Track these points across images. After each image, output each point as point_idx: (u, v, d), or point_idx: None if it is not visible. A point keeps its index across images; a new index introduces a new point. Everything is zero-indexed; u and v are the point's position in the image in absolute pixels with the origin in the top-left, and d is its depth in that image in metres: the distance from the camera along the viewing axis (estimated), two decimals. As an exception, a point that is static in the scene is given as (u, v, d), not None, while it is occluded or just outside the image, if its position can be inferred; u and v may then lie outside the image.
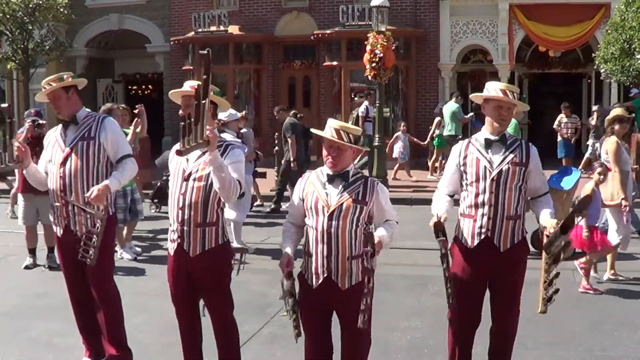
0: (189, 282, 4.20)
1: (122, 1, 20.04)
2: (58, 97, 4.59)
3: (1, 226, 10.22)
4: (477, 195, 4.11)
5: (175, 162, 4.20)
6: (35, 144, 6.41)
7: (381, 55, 13.08)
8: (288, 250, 3.93)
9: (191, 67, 18.00)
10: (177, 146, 3.71)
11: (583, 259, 6.88)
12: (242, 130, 9.84)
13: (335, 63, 17.46)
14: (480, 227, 4.11)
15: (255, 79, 18.75)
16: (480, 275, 4.16)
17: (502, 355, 4.36)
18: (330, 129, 3.80)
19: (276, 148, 12.96)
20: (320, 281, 3.81)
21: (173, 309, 4.33)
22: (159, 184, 11.04)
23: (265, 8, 18.40)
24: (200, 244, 4.11)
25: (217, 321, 4.27)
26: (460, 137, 13.44)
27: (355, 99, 16.74)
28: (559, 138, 15.51)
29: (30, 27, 17.42)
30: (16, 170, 7.61)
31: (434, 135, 15.28)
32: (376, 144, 13.47)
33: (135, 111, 8.60)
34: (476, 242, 4.13)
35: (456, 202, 4.32)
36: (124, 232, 8.42)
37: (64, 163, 4.53)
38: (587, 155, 14.26)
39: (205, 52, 3.62)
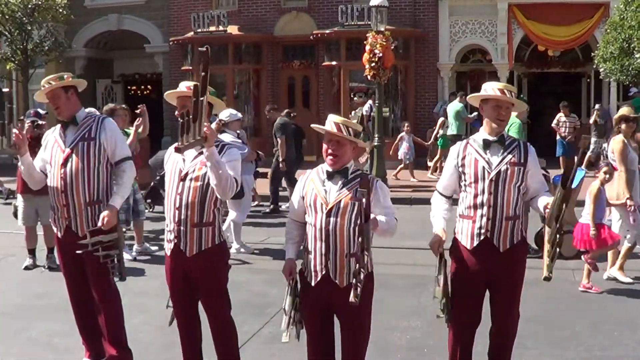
0: (186, 282, 4.20)
1: (121, 1, 20.02)
2: (57, 96, 4.59)
3: (1, 226, 10.21)
4: (475, 196, 4.11)
5: (171, 162, 4.20)
6: (35, 145, 6.38)
7: (380, 55, 13.09)
8: (291, 255, 3.95)
9: (190, 67, 18.01)
10: (174, 146, 3.71)
11: (589, 255, 6.87)
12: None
13: (334, 63, 17.46)
14: (480, 228, 4.11)
15: (254, 79, 18.75)
16: (480, 276, 4.16)
17: (502, 355, 4.37)
18: (331, 122, 3.81)
19: (275, 148, 12.93)
20: (319, 279, 3.81)
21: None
22: (152, 183, 11.03)
23: (264, 8, 18.40)
24: (197, 244, 4.11)
25: (215, 321, 4.27)
26: (464, 136, 13.42)
27: (355, 98, 16.72)
28: (558, 137, 15.53)
29: (30, 28, 17.42)
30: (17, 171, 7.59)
31: (438, 135, 15.25)
32: (375, 143, 13.47)
33: (137, 111, 8.55)
34: (476, 242, 4.13)
35: (455, 202, 4.32)
36: (134, 234, 8.53)
37: (64, 164, 4.53)
38: (588, 153, 14.25)
39: (204, 49, 3.61)
